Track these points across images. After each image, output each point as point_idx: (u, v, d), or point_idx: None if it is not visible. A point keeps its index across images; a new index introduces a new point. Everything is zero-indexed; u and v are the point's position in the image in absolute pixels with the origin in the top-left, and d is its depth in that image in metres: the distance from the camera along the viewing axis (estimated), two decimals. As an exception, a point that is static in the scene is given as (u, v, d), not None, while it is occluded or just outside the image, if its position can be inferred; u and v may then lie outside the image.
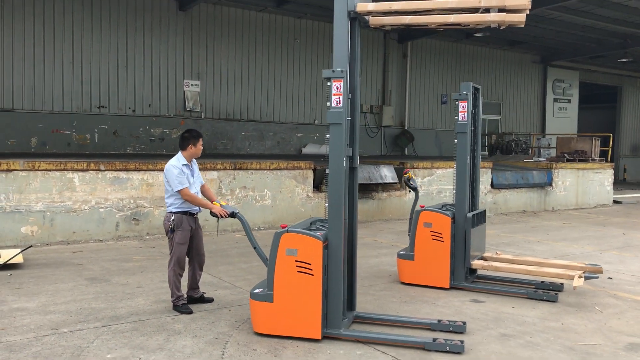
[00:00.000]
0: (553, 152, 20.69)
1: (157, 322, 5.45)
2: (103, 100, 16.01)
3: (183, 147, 5.86)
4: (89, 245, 9.24)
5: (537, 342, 5.13)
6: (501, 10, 4.85)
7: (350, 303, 5.58)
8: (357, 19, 5.29)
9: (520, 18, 4.94)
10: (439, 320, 5.43)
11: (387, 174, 13.04)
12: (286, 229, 5.06)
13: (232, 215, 5.68)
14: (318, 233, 5.07)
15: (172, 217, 5.71)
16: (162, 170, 9.41)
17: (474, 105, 7.19)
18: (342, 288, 5.15)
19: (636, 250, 9.99)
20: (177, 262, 5.73)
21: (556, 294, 6.55)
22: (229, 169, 10.92)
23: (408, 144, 21.88)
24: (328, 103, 5.01)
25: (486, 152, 22.19)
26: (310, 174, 12.00)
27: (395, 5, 5.05)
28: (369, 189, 12.85)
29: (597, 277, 6.63)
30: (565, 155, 17.03)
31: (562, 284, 6.94)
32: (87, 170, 9.49)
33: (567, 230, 12.35)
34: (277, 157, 14.25)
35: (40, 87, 15.02)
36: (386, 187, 13.26)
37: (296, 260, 5.00)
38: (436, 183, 14.19)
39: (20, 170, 8.95)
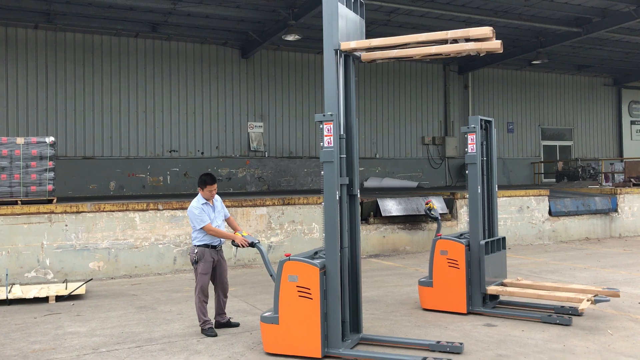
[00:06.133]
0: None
1: (184, 343, 6.13)
2: (174, 144, 17.35)
3: (199, 189, 6.58)
4: (148, 278, 10.16)
5: (528, 362, 5.36)
6: (467, 40, 5.26)
7: (356, 325, 6.02)
8: (350, 56, 5.87)
9: (495, 45, 5.31)
10: (438, 342, 5.75)
11: (436, 205, 13.28)
12: (288, 257, 5.63)
13: (252, 245, 6.31)
14: (317, 261, 5.59)
15: (196, 250, 6.41)
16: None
17: (485, 137, 7.51)
18: (342, 311, 5.62)
19: (687, 275, 9.72)
20: (201, 290, 6.41)
21: (570, 317, 6.66)
22: (278, 205, 11.63)
23: (472, 174, 21.83)
24: (321, 143, 5.58)
25: (552, 180, 21.79)
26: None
27: (374, 42, 5.61)
28: (418, 220, 13.15)
29: (608, 300, 6.69)
30: (632, 180, 16.54)
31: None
32: (146, 210, 10.49)
33: (623, 257, 12.07)
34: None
35: (117, 135, 16.55)
36: (436, 217, 13.49)
37: (297, 286, 5.54)
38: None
39: (88, 212, 10.07)
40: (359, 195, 6.08)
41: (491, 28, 5.26)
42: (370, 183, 19.77)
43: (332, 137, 5.55)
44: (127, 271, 10.33)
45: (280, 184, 18.76)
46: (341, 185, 5.72)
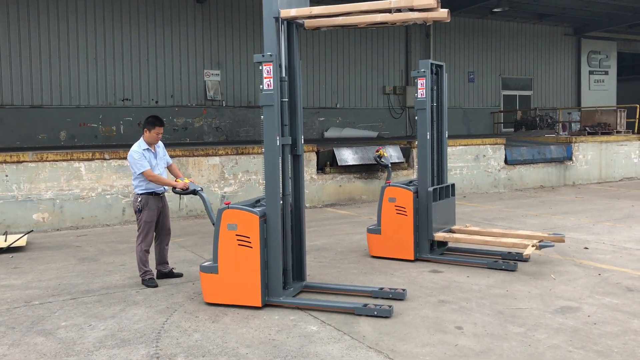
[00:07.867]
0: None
1: (122, 294, 5.94)
2: (127, 93, 16.76)
3: (143, 133, 6.31)
4: (95, 229, 9.89)
5: (469, 307, 5.34)
6: (411, 9, 5.07)
7: (300, 273, 5.92)
8: (293, 24, 5.61)
9: (442, 15, 5.17)
10: (381, 288, 5.70)
11: (392, 153, 13.22)
12: (228, 205, 5.43)
13: (193, 192, 6.09)
14: (257, 209, 5.42)
15: (140, 198, 6.16)
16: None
17: (436, 82, 7.33)
18: (284, 259, 5.49)
19: (633, 221, 9.88)
20: (144, 239, 6.19)
21: (515, 263, 6.67)
22: (231, 154, 11.37)
23: (433, 124, 21.81)
24: (261, 86, 5.34)
25: (512, 129, 21.94)
26: (314, 156, 12.31)
27: (315, 10, 5.38)
28: (374, 169, 13.06)
29: (553, 246, 6.72)
30: (587, 128, 16.70)
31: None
32: (92, 159, 10.12)
33: (574, 204, 12.24)
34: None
35: (67, 83, 15.87)
36: (392, 166, 13.41)
37: (236, 235, 5.37)
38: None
39: (30, 162, 9.66)
40: (303, 155, 5.88)
41: None
42: (331, 133, 19.56)
43: (272, 80, 5.30)
44: (73, 222, 10.02)
45: (239, 134, 18.39)
46: (284, 145, 5.54)
